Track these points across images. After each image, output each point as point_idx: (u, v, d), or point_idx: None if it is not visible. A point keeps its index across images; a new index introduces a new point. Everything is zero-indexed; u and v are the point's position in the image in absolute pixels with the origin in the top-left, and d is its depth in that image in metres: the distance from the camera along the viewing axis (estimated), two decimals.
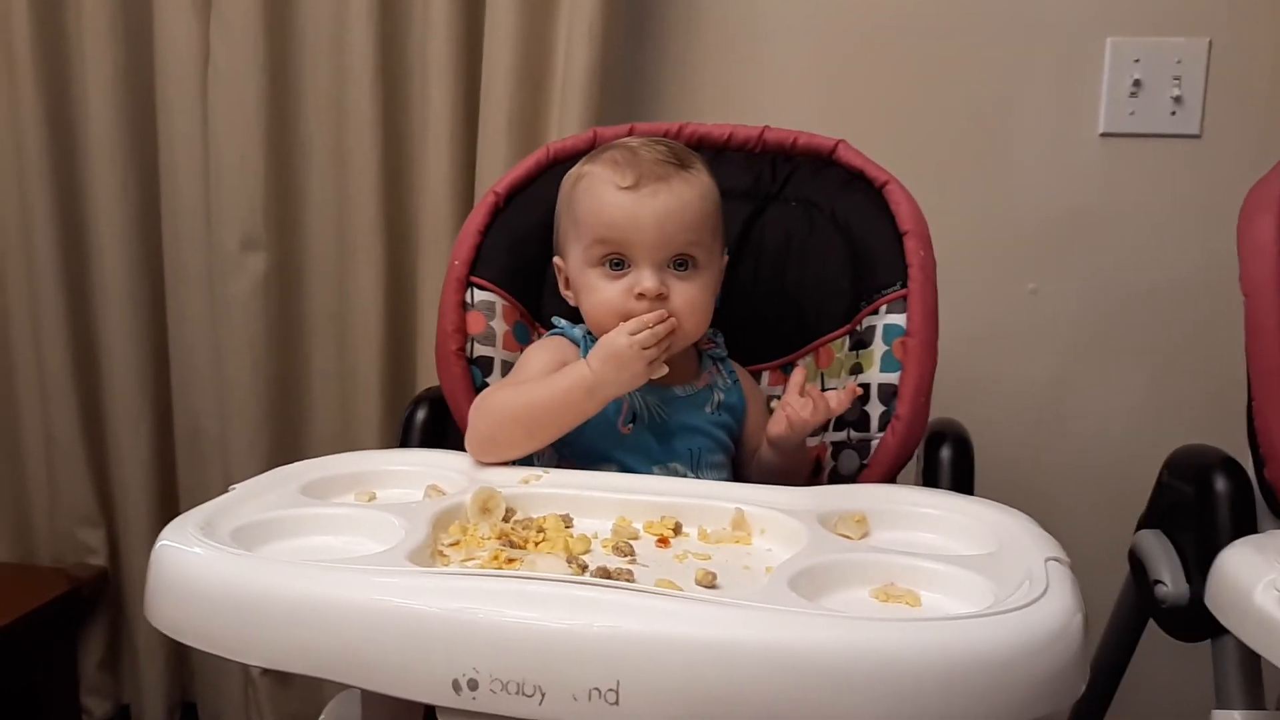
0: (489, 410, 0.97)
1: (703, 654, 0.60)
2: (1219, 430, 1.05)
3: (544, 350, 1.04)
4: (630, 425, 1.01)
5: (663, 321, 0.95)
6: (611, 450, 1.00)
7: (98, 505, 1.68)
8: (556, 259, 1.07)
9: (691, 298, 0.99)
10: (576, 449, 0.99)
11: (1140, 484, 1.12)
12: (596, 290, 1.00)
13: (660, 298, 0.97)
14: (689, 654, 0.60)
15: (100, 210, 1.59)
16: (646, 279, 0.98)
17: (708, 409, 1.05)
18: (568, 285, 1.06)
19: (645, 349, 0.94)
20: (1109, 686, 1.25)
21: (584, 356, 0.98)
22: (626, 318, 0.96)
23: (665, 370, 0.97)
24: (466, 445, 0.97)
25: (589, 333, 1.04)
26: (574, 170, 1.05)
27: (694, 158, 1.03)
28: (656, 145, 1.02)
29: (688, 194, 1.00)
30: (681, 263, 1.00)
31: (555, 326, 1.07)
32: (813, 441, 1.05)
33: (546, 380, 0.97)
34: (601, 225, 0.99)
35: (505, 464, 0.96)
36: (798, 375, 1.01)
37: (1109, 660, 1.23)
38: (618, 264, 0.99)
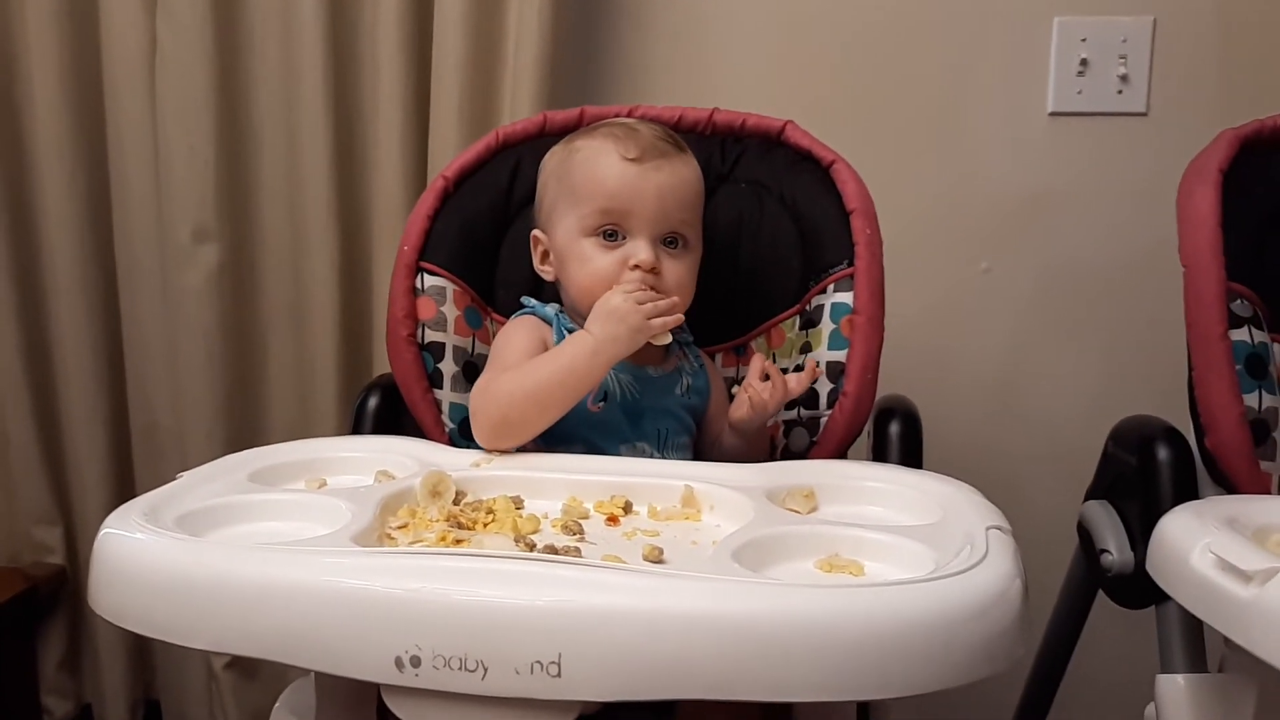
0: (495, 395, 0.97)
1: (643, 625, 0.60)
2: (1170, 403, 1.06)
3: (520, 331, 1.04)
4: (601, 404, 1.00)
5: (656, 290, 0.97)
6: (580, 428, 1.00)
7: (54, 503, 1.66)
8: (536, 232, 1.07)
9: (680, 275, 1.01)
10: None
11: (1092, 457, 1.13)
12: (589, 260, 1.01)
13: (654, 271, 0.99)
14: (630, 625, 0.60)
15: (49, 204, 1.56)
16: (643, 250, 0.99)
17: (678, 391, 1.06)
18: (544, 259, 1.06)
19: (641, 304, 0.95)
20: (1062, 655, 1.27)
21: (556, 334, 1.00)
22: None
23: (669, 339, 0.98)
24: (475, 436, 0.97)
25: (562, 310, 1.04)
26: (562, 146, 1.06)
27: (684, 143, 1.05)
28: (652, 125, 1.04)
29: (686, 173, 1.02)
30: (672, 240, 1.01)
31: (524, 306, 1.07)
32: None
33: (547, 355, 0.98)
34: (604, 194, 1.00)
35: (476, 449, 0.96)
36: (759, 360, 1.02)
37: (1061, 630, 1.24)
38: (612, 235, 1.00)
